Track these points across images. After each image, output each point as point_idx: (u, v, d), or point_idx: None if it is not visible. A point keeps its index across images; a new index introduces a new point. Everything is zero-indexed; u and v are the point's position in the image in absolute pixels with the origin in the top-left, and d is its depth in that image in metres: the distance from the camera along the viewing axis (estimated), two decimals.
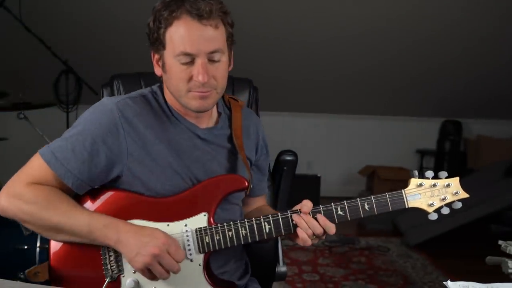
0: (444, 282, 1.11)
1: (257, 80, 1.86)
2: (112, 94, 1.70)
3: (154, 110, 1.37)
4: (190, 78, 1.28)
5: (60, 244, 1.33)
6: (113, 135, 1.29)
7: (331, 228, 1.31)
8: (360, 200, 1.34)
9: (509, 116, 5.20)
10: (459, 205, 1.36)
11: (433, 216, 1.35)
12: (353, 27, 4.20)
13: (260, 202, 1.59)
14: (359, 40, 4.32)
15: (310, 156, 5.05)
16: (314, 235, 1.31)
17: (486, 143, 5.04)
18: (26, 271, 1.33)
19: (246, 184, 1.37)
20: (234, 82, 1.79)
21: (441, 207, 1.35)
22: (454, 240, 3.98)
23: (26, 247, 2.28)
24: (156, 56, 1.34)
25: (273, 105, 4.56)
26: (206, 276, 1.33)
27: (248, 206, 1.57)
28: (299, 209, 1.31)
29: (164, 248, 1.23)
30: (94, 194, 1.34)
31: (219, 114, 1.46)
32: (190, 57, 1.27)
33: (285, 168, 1.77)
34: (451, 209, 1.36)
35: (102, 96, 1.70)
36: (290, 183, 1.79)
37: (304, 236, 1.30)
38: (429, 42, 4.35)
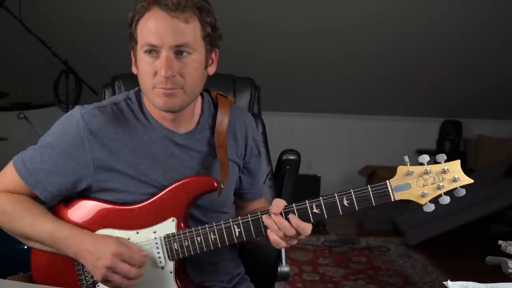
0: (444, 282, 1.11)
1: (257, 80, 1.86)
2: (113, 94, 1.71)
3: (126, 118, 1.32)
4: (155, 73, 1.22)
5: (40, 256, 1.34)
6: (78, 148, 1.28)
7: (306, 229, 1.21)
8: (338, 196, 1.20)
9: (509, 116, 5.20)
10: (462, 192, 1.16)
11: (429, 208, 1.18)
12: (354, 28, 4.19)
13: (256, 206, 1.53)
14: (359, 40, 4.32)
15: (310, 156, 5.04)
16: (288, 237, 1.22)
17: (486, 143, 5.04)
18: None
19: (216, 185, 1.30)
20: (235, 81, 1.79)
21: (439, 196, 1.17)
22: (454, 240, 3.98)
23: (26, 247, 2.28)
24: (132, 54, 1.31)
25: (273, 105, 4.55)
26: (178, 283, 1.30)
27: (242, 209, 1.52)
28: (270, 209, 1.23)
29: (116, 258, 1.22)
30: (66, 203, 1.35)
31: (202, 113, 1.39)
32: (155, 49, 1.22)
33: (287, 167, 1.76)
34: (453, 197, 1.17)
35: (104, 97, 1.71)
36: (293, 183, 1.78)
37: (275, 238, 1.22)
38: (430, 43, 4.34)
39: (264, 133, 1.76)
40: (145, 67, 1.24)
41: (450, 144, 5.17)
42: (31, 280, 1.36)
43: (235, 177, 1.45)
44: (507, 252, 1.22)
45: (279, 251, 1.77)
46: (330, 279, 3.38)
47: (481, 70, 4.61)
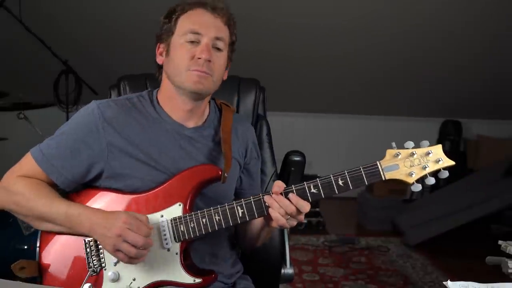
0: (444, 282, 1.11)
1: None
2: (119, 95, 1.75)
3: (138, 110, 1.44)
4: (193, 57, 1.37)
5: (48, 240, 1.41)
6: (93, 134, 1.38)
7: (305, 206, 1.29)
8: (333, 176, 1.31)
9: (509, 116, 5.20)
10: (445, 174, 1.27)
11: (417, 187, 1.28)
12: (354, 28, 4.20)
13: None
14: (359, 40, 4.32)
15: (310, 156, 5.01)
16: (289, 215, 1.29)
17: (486, 143, 5.04)
18: (12, 265, 1.38)
19: (220, 173, 1.38)
20: (240, 82, 1.80)
21: (425, 176, 1.27)
22: (454, 240, 3.98)
23: (26, 247, 2.29)
24: (161, 47, 1.45)
25: (272, 105, 4.55)
26: (183, 265, 1.36)
27: None
28: (271, 191, 1.31)
29: (126, 227, 1.28)
30: (76, 193, 1.43)
31: (209, 114, 1.51)
32: (197, 36, 1.38)
33: (292, 169, 1.77)
34: (438, 179, 1.27)
35: (110, 98, 1.75)
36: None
37: (276, 215, 1.29)
38: (430, 42, 4.35)
39: (269, 134, 1.79)
40: (182, 52, 1.38)
41: (450, 144, 5.17)
42: (39, 265, 1.40)
43: (236, 173, 1.53)
44: (507, 252, 1.22)
45: (284, 252, 1.77)
46: (330, 279, 3.38)
47: (481, 71, 4.61)
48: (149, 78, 1.73)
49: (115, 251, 1.30)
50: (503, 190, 3.99)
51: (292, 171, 1.76)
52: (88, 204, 1.40)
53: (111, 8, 3.99)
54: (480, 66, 4.57)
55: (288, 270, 1.77)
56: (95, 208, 1.37)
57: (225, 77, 1.48)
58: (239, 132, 1.54)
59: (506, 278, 1.20)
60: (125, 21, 3.96)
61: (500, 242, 1.26)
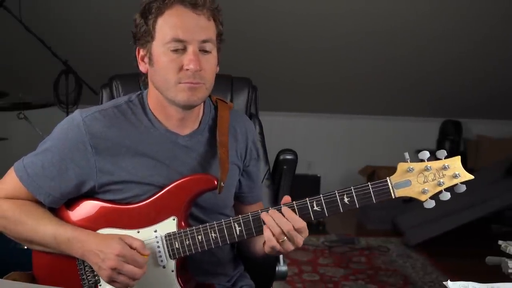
0: (444, 282, 1.11)
1: (256, 80, 1.86)
2: (111, 95, 1.71)
3: (128, 121, 1.33)
4: (180, 68, 1.24)
5: (41, 255, 1.35)
6: (80, 152, 1.28)
7: (297, 221, 1.20)
8: (338, 193, 1.20)
9: (509, 116, 5.20)
10: (462, 188, 1.17)
11: (430, 204, 1.18)
12: (353, 28, 4.19)
13: (255, 209, 1.49)
14: (359, 40, 4.32)
15: (310, 156, 5.04)
16: (286, 236, 1.20)
17: (486, 143, 5.04)
18: (4, 277, 1.32)
19: (216, 183, 1.30)
20: (233, 82, 1.79)
21: (439, 192, 1.17)
22: (454, 240, 3.98)
23: (26, 247, 2.28)
24: (142, 52, 1.31)
25: (273, 105, 4.55)
26: (180, 282, 1.30)
27: (241, 213, 1.47)
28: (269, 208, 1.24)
29: (120, 259, 1.22)
30: (67, 204, 1.35)
31: (203, 114, 1.41)
32: (182, 44, 1.24)
33: (285, 167, 1.76)
34: (454, 194, 1.17)
35: (101, 98, 1.70)
36: (290, 183, 1.78)
37: (268, 234, 1.21)
38: (429, 43, 4.34)
39: (261, 133, 1.77)
40: (168, 62, 1.25)
41: (450, 144, 5.16)
42: (33, 277, 1.36)
43: (235, 179, 1.45)
44: (507, 252, 1.22)
45: None
46: (330, 279, 3.38)
47: (482, 71, 4.61)
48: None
49: (111, 281, 1.24)
50: (503, 190, 3.99)
51: (284, 170, 1.75)
52: (79, 216, 1.33)
53: (111, 8, 3.99)
54: (480, 66, 4.56)
55: (282, 267, 1.76)
56: (85, 232, 1.28)
57: (216, 72, 1.35)
58: (238, 132, 1.44)
59: (506, 278, 1.20)
60: (126, 21, 3.96)
61: (500, 242, 1.25)
